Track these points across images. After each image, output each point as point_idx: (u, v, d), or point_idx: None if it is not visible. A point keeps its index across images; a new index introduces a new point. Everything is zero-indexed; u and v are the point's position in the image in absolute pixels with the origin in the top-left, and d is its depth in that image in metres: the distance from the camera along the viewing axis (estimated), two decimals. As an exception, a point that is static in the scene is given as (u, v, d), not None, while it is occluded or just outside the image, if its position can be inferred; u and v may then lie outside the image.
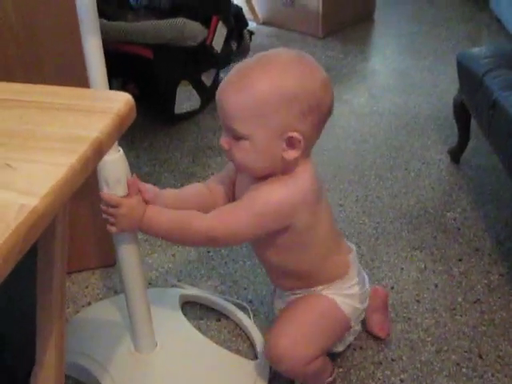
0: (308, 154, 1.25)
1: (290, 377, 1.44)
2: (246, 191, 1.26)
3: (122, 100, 0.75)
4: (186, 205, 1.31)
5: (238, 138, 1.17)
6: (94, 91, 0.83)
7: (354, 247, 1.46)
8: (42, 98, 0.77)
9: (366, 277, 1.48)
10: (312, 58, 1.20)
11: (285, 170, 1.22)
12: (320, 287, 1.38)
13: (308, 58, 1.20)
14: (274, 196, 1.20)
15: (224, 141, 1.21)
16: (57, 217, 0.79)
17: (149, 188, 1.26)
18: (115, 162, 1.22)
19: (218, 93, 1.19)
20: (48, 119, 0.73)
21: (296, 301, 1.41)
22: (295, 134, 1.15)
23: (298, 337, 1.33)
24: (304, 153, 1.20)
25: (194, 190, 1.40)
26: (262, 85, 1.13)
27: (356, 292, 1.41)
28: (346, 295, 1.39)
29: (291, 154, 1.18)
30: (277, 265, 1.37)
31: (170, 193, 1.34)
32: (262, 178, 1.24)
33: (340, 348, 1.50)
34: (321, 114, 1.18)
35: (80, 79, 1.17)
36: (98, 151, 0.67)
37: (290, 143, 1.17)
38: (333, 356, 1.51)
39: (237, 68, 1.18)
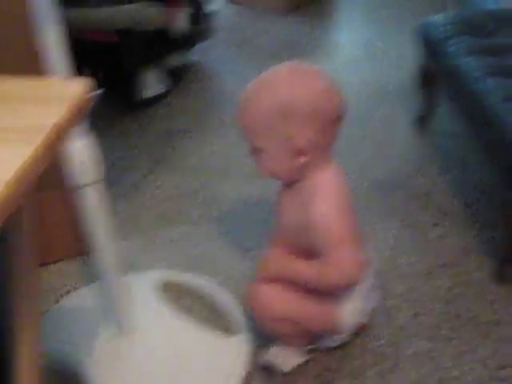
0: (327, 157, 1.34)
1: (261, 325, 1.47)
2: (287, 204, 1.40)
3: (79, 86, 0.75)
4: None
5: (256, 149, 1.31)
6: (51, 79, 0.84)
7: (372, 269, 1.48)
8: (-3, 89, 0.78)
9: (377, 298, 1.52)
10: (313, 68, 1.30)
11: (306, 173, 1.32)
12: None
13: (307, 69, 1.30)
14: (330, 212, 1.30)
15: (250, 152, 1.34)
16: (23, 207, 0.80)
17: None
18: (84, 149, 1.23)
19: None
20: (4, 110, 0.73)
21: None
22: (299, 144, 1.25)
23: (278, 292, 1.39)
24: (320, 156, 1.30)
25: None
26: (261, 102, 1.26)
27: (354, 305, 1.43)
28: (347, 303, 1.43)
29: (302, 160, 1.28)
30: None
31: None
32: (291, 183, 1.37)
33: (332, 344, 1.53)
34: (324, 120, 1.26)
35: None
36: (57, 139, 0.68)
37: (299, 151, 1.27)
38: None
39: (246, 89, 1.29)
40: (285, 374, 1.49)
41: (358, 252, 1.33)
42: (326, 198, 1.30)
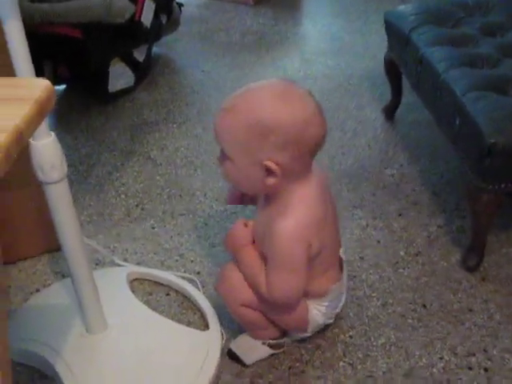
0: (302, 179, 1.29)
1: (227, 308, 1.49)
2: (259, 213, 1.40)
3: (41, 86, 0.74)
4: None
5: (225, 156, 1.28)
6: (12, 79, 0.82)
7: (344, 274, 1.49)
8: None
9: (343, 301, 1.51)
10: (301, 93, 1.25)
11: (274, 192, 1.30)
12: None
13: (295, 93, 1.24)
14: (284, 236, 1.27)
15: (218, 157, 1.31)
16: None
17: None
18: (48, 147, 1.21)
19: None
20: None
21: None
22: (269, 164, 1.22)
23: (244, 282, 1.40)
24: (291, 180, 1.27)
25: None
26: (242, 115, 1.22)
27: (321, 310, 1.45)
28: (314, 307, 1.44)
29: (270, 181, 1.25)
30: None
31: None
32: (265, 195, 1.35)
33: (297, 338, 1.55)
34: (301, 148, 1.23)
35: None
36: (19, 140, 0.67)
37: (268, 171, 1.24)
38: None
39: (232, 94, 1.26)
40: (250, 366, 1.50)
41: (298, 282, 1.32)
42: (293, 219, 1.27)
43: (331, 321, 1.52)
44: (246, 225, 1.41)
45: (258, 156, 1.22)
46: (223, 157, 1.29)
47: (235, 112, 1.23)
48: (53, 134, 1.22)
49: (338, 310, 1.51)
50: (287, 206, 1.28)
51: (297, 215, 1.27)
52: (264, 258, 1.35)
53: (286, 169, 1.23)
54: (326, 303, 1.44)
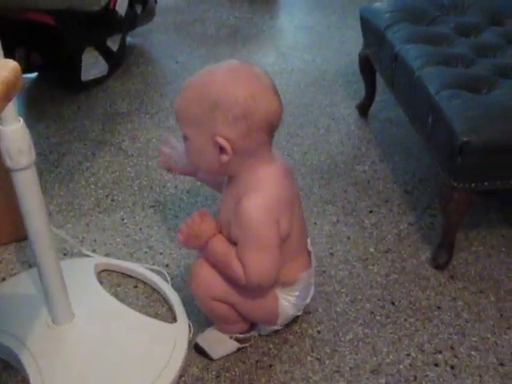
0: (265, 155, 1.30)
1: (198, 303, 1.48)
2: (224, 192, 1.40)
3: (8, 67, 0.73)
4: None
5: (184, 137, 1.30)
6: (-22, 60, 0.81)
7: (313, 265, 1.48)
8: None
9: (312, 292, 1.51)
10: (255, 71, 1.28)
11: (234, 172, 1.31)
12: None
13: (248, 71, 1.28)
14: (252, 213, 1.27)
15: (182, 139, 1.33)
16: None
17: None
18: (16, 133, 1.19)
19: None
20: None
21: None
22: (220, 140, 1.23)
23: (216, 276, 1.38)
24: (250, 159, 1.28)
25: None
26: (194, 91, 1.26)
27: (291, 301, 1.44)
28: (284, 298, 1.44)
29: (224, 159, 1.26)
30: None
31: None
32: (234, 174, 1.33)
33: (265, 332, 1.54)
34: (251, 124, 1.23)
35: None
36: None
37: (220, 149, 1.25)
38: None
39: (193, 76, 1.29)
40: (218, 359, 1.49)
41: (273, 259, 1.30)
42: (259, 195, 1.27)
43: (299, 313, 1.52)
44: (204, 214, 1.36)
45: (209, 132, 1.24)
46: (183, 138, 1.31)
47: (189, 90, 1.27)
48: (21, 119, 1.20)
49: (307, 301, 1.50)
50: (252, 184, 1.29)
51: (262, 192, 1.28)
52: (233, 244, 1.34)
53: (238, 146, 1.24)
54: (297, 293, 1.44)
